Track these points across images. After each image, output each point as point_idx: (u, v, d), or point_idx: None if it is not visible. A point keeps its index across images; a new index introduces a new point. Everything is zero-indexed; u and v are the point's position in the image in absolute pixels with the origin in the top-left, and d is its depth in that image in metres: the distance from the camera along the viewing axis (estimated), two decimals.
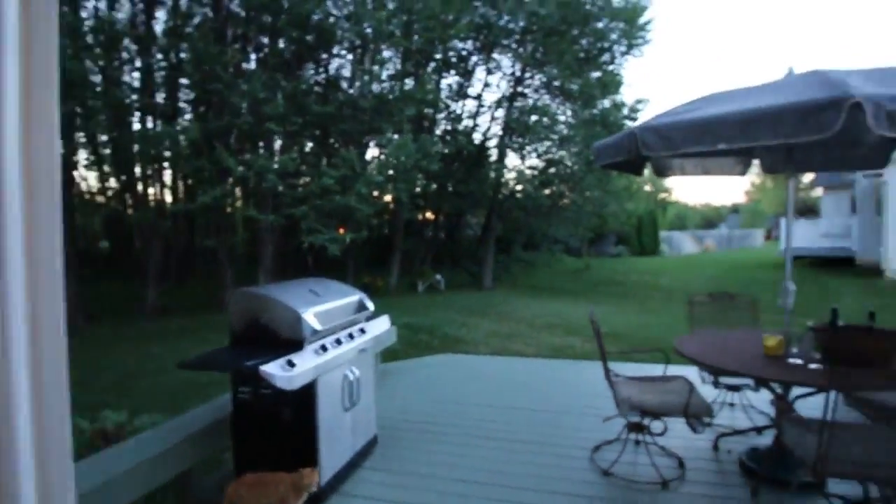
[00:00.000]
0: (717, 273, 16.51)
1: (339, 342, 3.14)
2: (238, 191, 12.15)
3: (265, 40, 10.84)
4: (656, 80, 58.71)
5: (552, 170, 14.54)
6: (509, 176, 15.90)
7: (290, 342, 2.83)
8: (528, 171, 15.15)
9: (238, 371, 2.84)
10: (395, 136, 10.26)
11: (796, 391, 3.14)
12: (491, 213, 15.89)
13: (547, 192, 14.64)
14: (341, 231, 10.57)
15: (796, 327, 3.21)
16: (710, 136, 2.42)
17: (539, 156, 15.45)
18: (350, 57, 12.66)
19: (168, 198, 14.44)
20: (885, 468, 2.19)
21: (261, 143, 11.04)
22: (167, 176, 13.87)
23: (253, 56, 11.48)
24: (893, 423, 2.85)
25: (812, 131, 2.11)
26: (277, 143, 11.80)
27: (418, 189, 12.54)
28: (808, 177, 44.91)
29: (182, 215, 13.34)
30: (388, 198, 13.08)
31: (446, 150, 12.64)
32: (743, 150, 4.07)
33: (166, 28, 10.53)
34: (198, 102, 11.49)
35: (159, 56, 10.72)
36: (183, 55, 10.22)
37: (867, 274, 13.29)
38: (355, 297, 3.62)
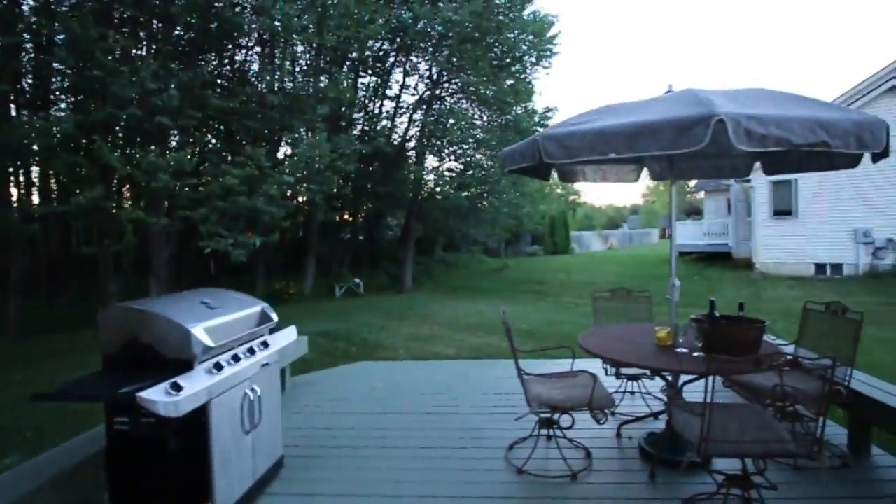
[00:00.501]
0: (620, 269, 17.75)
1: (236, 359, 2.91)
2: (127, 191, 10.96)
3: (158, 26, 9.83)
4: (564, 90, 62.31)
5: (469, 172, 14.81)
6: (428, 178, 15.97)
7: (177, 362, 2.56)
8: (446, 173, 15.31)
9: (113, 400, 2.51)
10: (308, 135, 9.76)
11: (684, 377, 3.41)
12: (410, 215, 15.84)
13: (465, 193, 14.88)
14: (250, 235, 9.94)
15: (683, 319, 3.49)
16: (602, 146, 2.55)
17: (457, 158, 15.66)
18: (258, 50, 11.94)
19: (36, 198, 12.70)
20: (756, 443, 2.41)
21: (153, 140, 10.04)
22: (35, 173, 12.16)
23: (146, 43, 10.38)
24: (762, 400, 3.18)
25: (686, 144, 2.29)
26: (179, 140, 10.81)
27: (334, 190, 12.12)
28: (692, 182, 49.91)
29: (55, 218, 11.74)
30: (301, 199, 12.55)
31: (364, 151, 12.37)
32: (633, 159, 4.39)
33: (36, 5, 9.14)
34: (74, 91, 10.13)
35: (26, 36, 9.29)
36: (59, 37, 8.94)
37: (741, 267, 14.99)
38: (256, 307, 3.38)
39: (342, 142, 10.59)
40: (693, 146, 2.23)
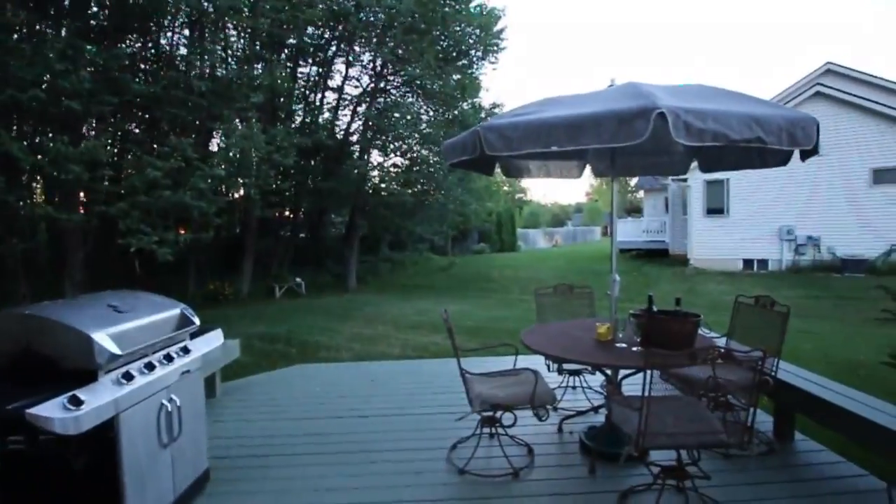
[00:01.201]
0: (564, 265, 18.23)
1: (150, 367, 2.63)
2: (39, 184, 9.89)
3: (68, 2, 8.89)
4: (511, 86, 63.13)
5: (415, 169, 14.63)
6: (373, 174, 15.62)
7: (79, 373, 2.27)
8: (392, 170, 15.03)
9: (1, 417, 2.19)
10: (241, 126, 9.16)
11: (624, 372, 3.45)
12: (355, 212, 15.45)
13: (410, 191, 14.68)
14: (182, 232, 9.22)
15: (622, 313, 3.52)
16: (543, 138, 2.49)
17: (402, 154, 15.44)
18: (187, 33, 11.11)
19: None
20: (691, 435, 2.44)
21: (64, 128, 9.08)
22: None
23: (55, 21, 9.34)
24: (696, 392, 3.27)
25: (627, 137, 2.26)
26: (95, 129, 9.82)
27: (274, 186, 11.51)
28: (633, 181, 52.25)
29: None
30: (236, 195, 11.87)
31: (303, 144, 11.86)
32: (576, 154, 4.42)
33: None
34: None
35: None
36: None
37: (677, 263, 15.79)
38: (173, 310, 3.09)
39: (279, 134, 10.07)
40: (634, 139, 2.21)
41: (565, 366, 4.11)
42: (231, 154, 9.25)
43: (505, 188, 32.36)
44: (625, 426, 2.63)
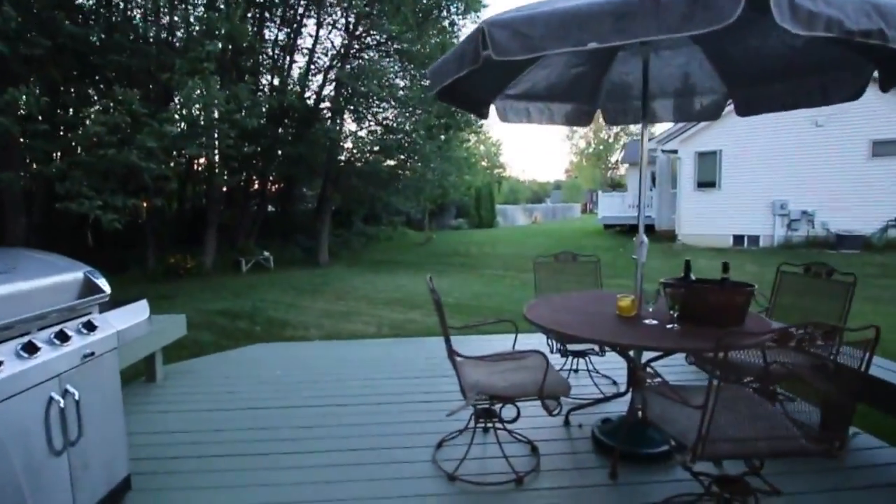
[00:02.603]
0: (547, 241, 17.70)
1: (31, 348, 1.89)
2: None
3: None
4: None
5: (391, 136, 13.67)
6: (346, 144, 14.62)
7: None
8: (367, 137, 14.05)
9: None
10: (196, 79, 8.08)
11: (646, 354, 2.85)
12: (327, 183, 14.48)
13: (387, 163, 13.75)
14: (145, 204, 8.16)
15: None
16: (575, 33, 1.78)
17: (378, 123, 14.45)
18: None
19: None
20: (763, 441, 1.83)
21: None
22: None
23: None
24: (742, 380, 2.70)
25: (704, 21, 1.57)
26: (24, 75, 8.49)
27: (236, 150, 10.42)
28: (613, 158, 52.09)
29: None
30: (200, 160, 10.81)
31: (269, 105, 10.79)
32: (586, 96, 3.76)
33: None
34: None
35: None
36: None
37: (665, 239, 15.43)
38: (74, 273, 2.32)
39: (241, 91, 9.03)
40: (715, 24, 1.53)
41: (570, 346, 3.49)
42: (185, 111, 8.15)
43: (483, 163, 31.56)
44: (669, 425, 2.02)
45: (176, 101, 7.85)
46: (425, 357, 4.53)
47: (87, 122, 7.00)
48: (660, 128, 15.96)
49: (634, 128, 51.67)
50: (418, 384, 3.83)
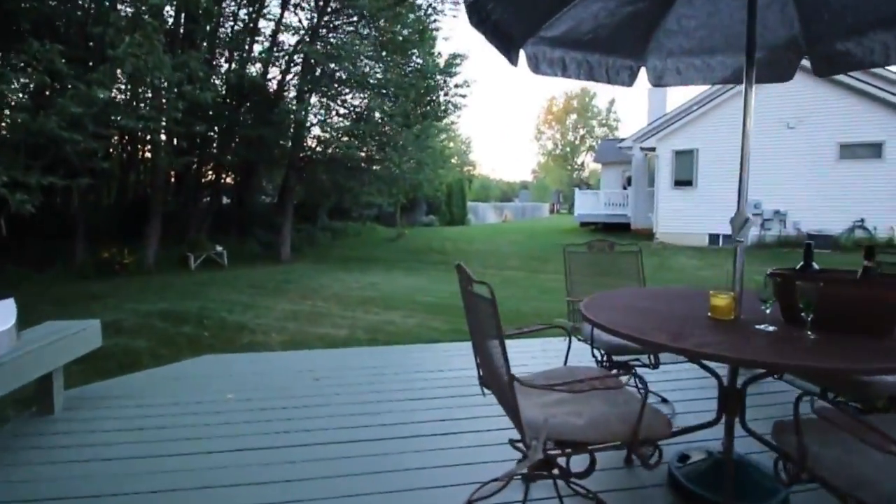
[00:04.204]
0: (523, 239, 17.03)
1: None
2: None
3: None
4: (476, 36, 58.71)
5: (361, 127, 12.56)
6: (313, 131, 13.41)
7: None
8: (336, 120, 12.89)
9: None
10: (135, 37, 6.73)
11: (745, 374, 2.06)
12: (290, 172, 13.23)
13: (361, 154, 12.66)
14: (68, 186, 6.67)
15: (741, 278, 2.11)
16: None
17: (350, 110, 13.32)
18: None
19: None
20: None
21: None
22: None
23: None
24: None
25: None
26: None
27: (184, 128, 9.03)
28: (580, 159, 52.56)
29: None
30: (145, 140, 9.37)
31: (229, 78, 9.50)
32: (633, 50, 2.96)
33: None
34: None
35: None
36: None
37: (641, 237, 15.02)
38: None
39: (192, 60, 7.75)
40: None
41: (617, 356, 2.69)
42: (121, 74, 6.80)
43: (453, 160, 30.73)
44: (860, 490, 1.18)
45: (109, 62, 6.55)
46: (419, 368, 3.58)
47: None
48: (636, 125, 15.57)
49: (599, 131, 52.35)
50: (423, 410, 2.88)
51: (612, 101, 52.99)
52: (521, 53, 2.65)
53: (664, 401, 3.10)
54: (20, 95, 5.90)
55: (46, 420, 2.75)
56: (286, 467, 2.24)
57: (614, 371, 1.94)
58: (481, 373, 2.01)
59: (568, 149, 52.49)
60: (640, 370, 2.76)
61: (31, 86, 6.09)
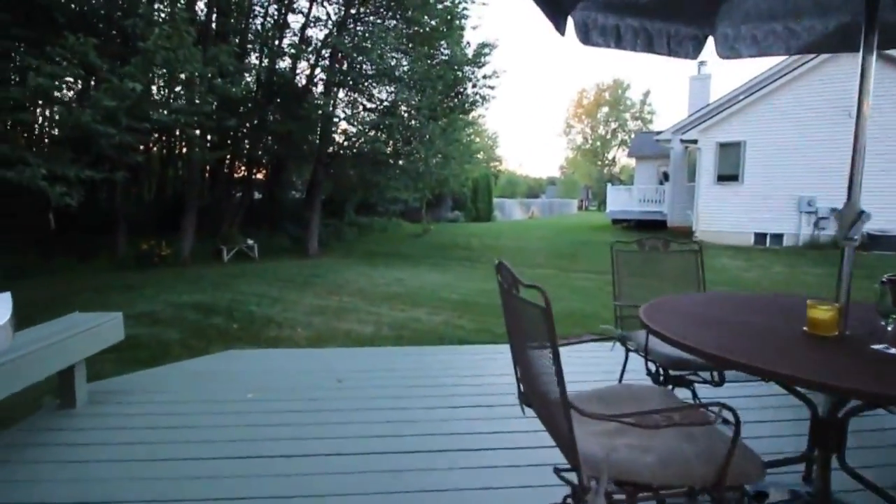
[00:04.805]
0: (551, 235, 16.65)
1: None
2: None
3: None
4: (507, 22, 56.55)
5: (388, 121, 12.42)
6: (341, 125, 13.37)
7: None
8: (363, 114, 12.79)
9: None
10: (165, 29, 6.75)
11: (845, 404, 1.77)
12: (318, 167, 13.25)
13: (388, 149, 12.54)
14: (124, 173, 6.78)
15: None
16: None
17: (377, 103, 13.21)
18: None
19: None
20: None
21: None
22: None
23: None
24: None
25: None
26: None
27: (217, 122, 9.08)
28: (611, 152, 51.33)
29: None
30: (176, 132, 9.50)
31: (254, 73, 9.51)
32: (700, 16, 2.65)
33: None
34: None
35: None
36: None
37: (679, 236, 14.42)
38: None
39: (222, 54, 7.74)
40: None
41: (675, 371, 2.41)
42: (151, 65, 6.81)
43: (479, 155, 30.38)
44: None
45: (140, 55, 6.61)
46: (449, 373, 3.40)
47: (31, 73, 5.69)
48: (672, 117, 14.89)
49: (632, 124, 50.91)
50: (451, 420, 2.70)
51: (647, 93, 51.43)
52: (569, 21, 2.37)
53: (726, 422, 2.80)
54: (63, 91, 5.99)
55: (67, 414, 2.70)
56: (296, 480, 2.10)
57: (686, 398, 1.70)
58: (522, 387, 1.80)
59: (598, 143, 51.31)
60: (701, 385, 2.51)
61: (70, 80, 6.17)
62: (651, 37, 2.61)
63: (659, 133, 18.07)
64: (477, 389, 3.06)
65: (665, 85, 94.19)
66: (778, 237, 13.07)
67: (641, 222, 16.72)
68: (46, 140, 6.16)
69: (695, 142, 14.06)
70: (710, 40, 2.74)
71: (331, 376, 3.33)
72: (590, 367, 3.53)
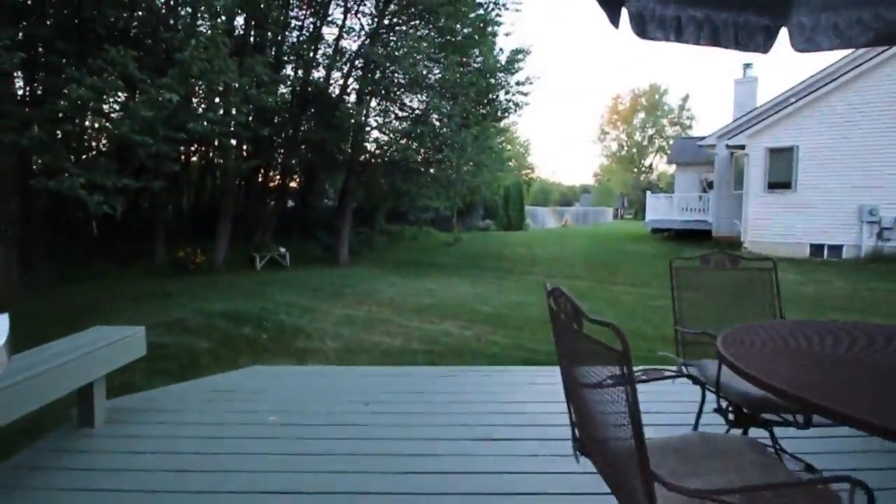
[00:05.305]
0: (587, 244, 16.14)
1: None
2: None
3: None
4: (536, 28, 53.30)
5: (419, 129, 12.29)
6: (373, 135, 13.37)
7: None
8: (395, 123, 12.74)
9: None
10: (202, 39, 6.82)
11: None
12: (350, 176, 13.26)
13: (419, 155, 12.43)
14: (161, 183, 6.82)
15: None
16: None
17: (407, 111, 13.15)
18: None
19: None
20: None
21: None
22: None
23: None
24: None
25: None
26: None
27: (253, 130, 9.15)
28: (648, 159, 50.06)
29: None
30: (212, 143, 9.64)
31: (289, 83, 9.57)
32: (775, 10, 2.33)
33: None
34: None
35: None
36: None
37: (726, 247, 13.69)
38: None
39: (257, 65, 7.78)
40: None
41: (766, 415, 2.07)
42: (185, 74, 6.86)
43: (511, 163, 30.00)
44: None
45: (177, 66, 6.68)
46: (487, 398, 3.13)
47: (73, 85, 5.81)
48: (717, 121, 14.20)
49: (670, 130, 49.46)
50: (489, 457, 2.42)
51: (686, 98, 49.84)
52: (624, 12, 2.11)
53: (809, 467, 2.42)
54: (105, 103, 6.08)
55: (85, 435, 2.57)
56: None
57: (760, 437, 1.38)
58: (577, 433, 1.52)
59: (634, 150, 50.07)
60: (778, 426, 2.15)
61: (110, 92, 6.29)
62: (716, 28, 2.30)
63: (702, 139, 17.33)
64: (518, 419, 2.78)
65: (704, 89, 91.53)
66: (836, 249, 12.18)
67: (683, 232, 15.99)
68: (91, 151, 6.28)
69: (742, 147, 13.35)
70: (784, 32, 2.42)
71: (359, 398, 3.11)
72: (647, 402, 3.19)
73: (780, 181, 12.90)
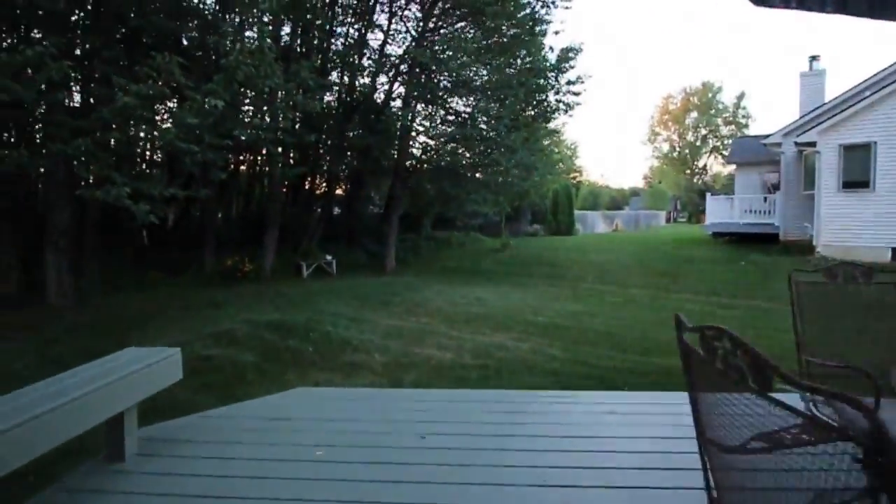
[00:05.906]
0: (641, 250, 15.28)
1: None
2: None
3: None
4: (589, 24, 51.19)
5: (466, 132, 11.95)
6: (418, 138, 13.15)
7: None
8: (441, 126, 12.49)
9: None
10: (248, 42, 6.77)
11: None
12: (396, 181, 13.09)
13: (466, 157, 12.11)
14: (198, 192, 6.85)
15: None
16: None
17: (454, 114, 12.86)
18: None
19: None
20: None
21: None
22: None
23: None
24: None
25: None
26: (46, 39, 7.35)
27: (299, 136, 9.08)
28: (702, 160, 47.76)
29: None
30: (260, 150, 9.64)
31: (335, 90, 9.48)
32: None
33: None
34: None
35: None
36: None
37: (794, 251, 12.56)
38: None
39: (303, 70, 7.68)
40: None
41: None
42: (235, 83, 6.82)
43: (559, 166, 29.16)
44: None
45: (222, 72, 6.66)
46: (560, 430, 2.69)
47: (119, 93, 5.84)
48: (774, 121, 13.08)
49: (725, 129, 46.89)
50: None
51: (741, 95, 47.03)
52: None
53: None
54: (152, 111, 6.11)
55: (115, 470, 2.33)
56: None
57: None
58: (715, 495, 1.11)
59: (687, 151, 47.83)
60: None
61: (156, 99, 6.32)
62: None
63: (765, 137, 16.12)
64: (601, 458, 2.35)
65: (763, 85, 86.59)
66: None
67: (746, 235, 14.85)
68: (140, 160, 6.36)
69: (812, 144, 12.23)
70: None
71: (410, 428, 2.76)
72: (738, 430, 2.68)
73: (856, 180, 11.72)
